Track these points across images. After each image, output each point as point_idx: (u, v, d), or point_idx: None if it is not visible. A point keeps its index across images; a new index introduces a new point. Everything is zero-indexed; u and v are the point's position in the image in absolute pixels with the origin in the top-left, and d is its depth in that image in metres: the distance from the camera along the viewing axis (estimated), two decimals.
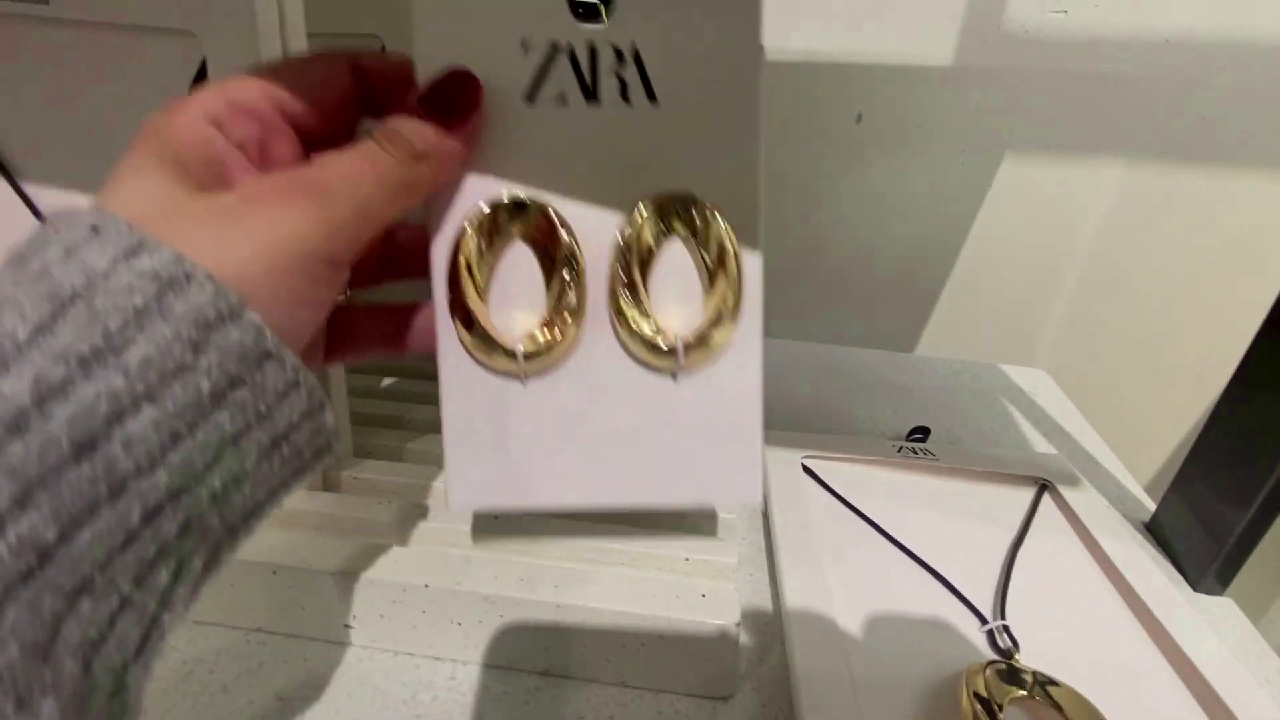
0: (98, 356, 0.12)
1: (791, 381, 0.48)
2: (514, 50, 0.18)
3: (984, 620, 0.27)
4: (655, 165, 0.19)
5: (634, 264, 0.19)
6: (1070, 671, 0.24)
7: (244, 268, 0.14)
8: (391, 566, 0.25)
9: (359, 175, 0.15)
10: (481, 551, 0.26)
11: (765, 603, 0.29)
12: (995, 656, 0.26)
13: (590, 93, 0.18)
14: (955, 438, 0.42)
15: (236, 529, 0.15)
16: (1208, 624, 0.27)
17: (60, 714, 0.11)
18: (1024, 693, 0.23)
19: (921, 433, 0.41)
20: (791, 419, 0.43)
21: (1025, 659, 0.25)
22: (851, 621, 0.27)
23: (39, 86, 0.25)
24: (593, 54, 0.18)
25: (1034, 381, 0.49)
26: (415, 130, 0.16)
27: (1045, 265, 0.59)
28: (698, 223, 0.19)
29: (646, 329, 0.19)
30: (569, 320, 0.19)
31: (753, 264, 0.20)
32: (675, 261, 0.19)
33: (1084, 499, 0.34)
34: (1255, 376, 0.29)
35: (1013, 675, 0.24)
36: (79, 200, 0.26)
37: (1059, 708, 0.22)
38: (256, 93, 0.16)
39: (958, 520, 0.33)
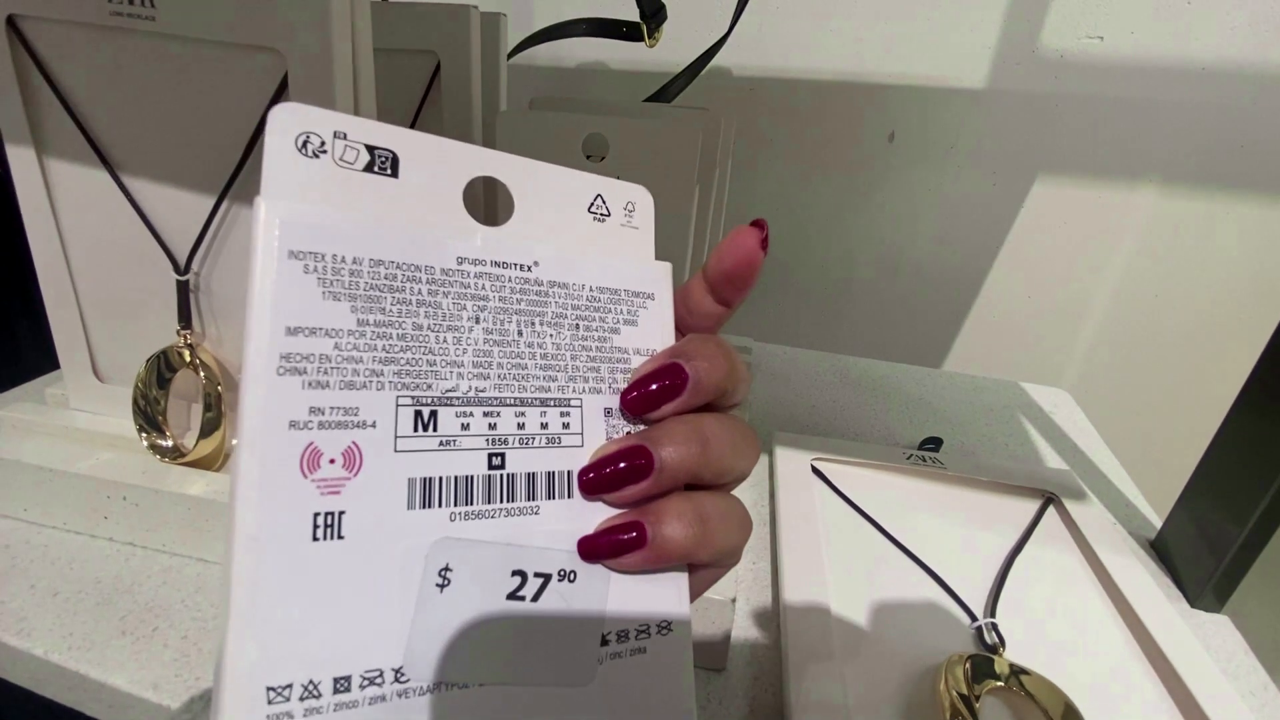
0: None
1: (811, 389, 0.49)
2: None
3: (974, 617, 0.29)
4: None
5: None
6: (1050, 670, 0.25)
7: None
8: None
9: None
10: None
11: (765, 588, 0.31)
12: (980, 651, 0.27)
13: None
14: (969, 450, 0.43)
15: None
16: (1193, 633, 0.27)
17: None
18: (1000, 683, 0.24)
19: (934, 443, 0.42)
20: (807, 424, 0.45)
21: (1010, 656, 0.27)
22: (844, 609, 0.29)
23: (141, 90, 0.29)
24: None
25: (1054, 400, 0.50)
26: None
27: (1075, 288, 0.59)
28: None
29: None
30: None
31: None
32: None
33: (1088, 513, 0.35)
34: (1258, 397, 0.30)
35: (990, 667, 0.25)
36: (170, 192, 0.30)
37: (1032, 696, 0.24)
38: None
39: (960, 526, 0.35)
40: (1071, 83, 0.53)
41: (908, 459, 0.38)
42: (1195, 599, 0.31)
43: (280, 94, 0.27)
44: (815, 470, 0.38)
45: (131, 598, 0.28)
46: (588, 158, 0.29)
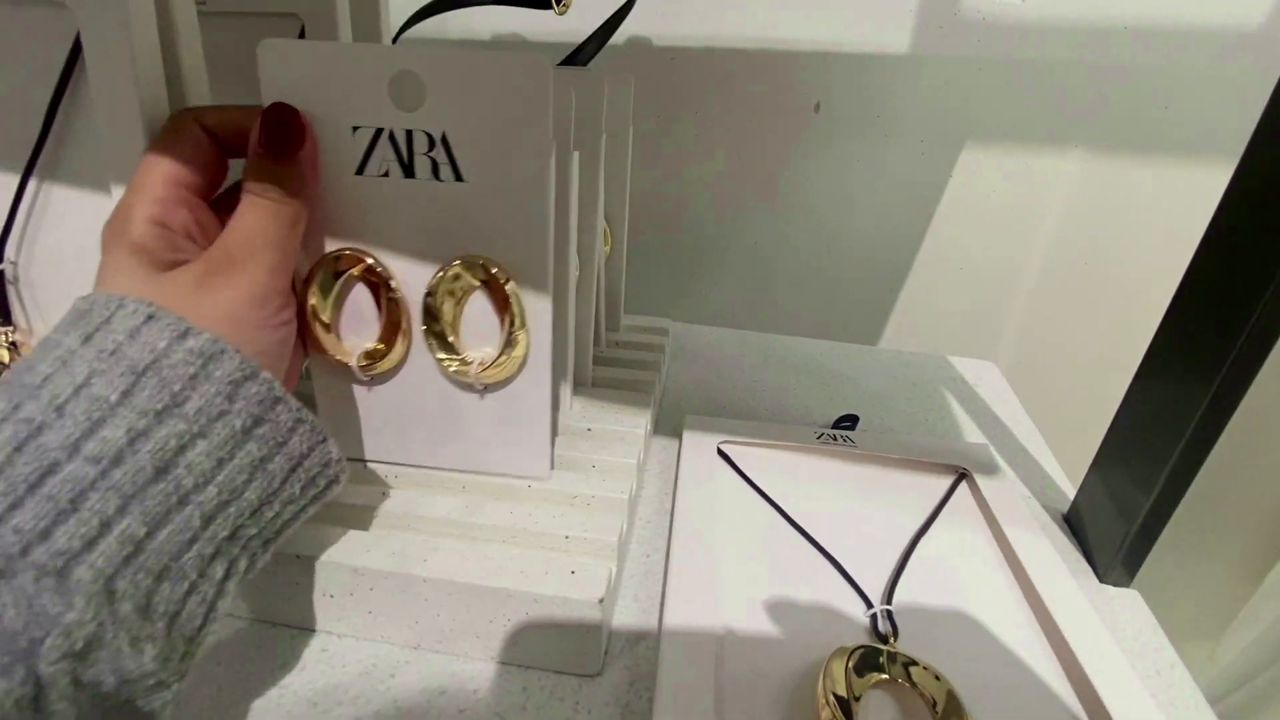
0: (166, 409, 0.17)
1: (732, 370, 0.47)
2: (346, 132, 0.23)
3: (870, 605, 0.27)
4: (462, 231, 0.24)
5: (441, 306, 0.25)
6: (946, 658, 0.24)
7: (234, 321, 0.19)
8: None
9: (263, 227, 0.21)
10: (356, 525, 0.26)
11: (657, 584, 0.29)
12: (871, 642, 0.25)
13: (408, 170, 0.24)
14: (887, 427, 0.41)
15: (269, 540, 0.20)
16: (1094, 610, 0.26)
17: (155, 659, 0.16)
18: (885, 676, 0.23)
19: (850, 421, 0.40)
20: (723, 405, 0.43)
21: (904, 645, 0.25)
22: (736, 604, 0.27)
23: None
24: (409, 137, 0.23)
25: (980, 373, 0.48)
26: (273, 172, 0.21)
27: (1006, 256, 0.58)
28: (494, 279, 0.25)
29: (451, 358, 0.26)
30: (397, 343, 0.26)
31: (540, 310, 0.25)
32: (478, 306, 0.26)
33: (1001, 488, 0.34)
34: (1158, 363, 0.29)
35: (877, 659, 0.23)
36: None
37: (917, 687, 0.22)
38: (168, 186, 0.21)
39: (868, 507, 0.33)
40: (994, 46, 0.51)
41: (819, 439, 0.37)
42: (1105, 574, 0.30)
43: (75, 55, 0.24)
44: (722, 454, 0.36)
45: None
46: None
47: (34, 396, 0.17)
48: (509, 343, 0.26)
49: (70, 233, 0.27)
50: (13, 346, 0.28)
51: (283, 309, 0.22)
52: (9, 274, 0.28)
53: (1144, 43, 0.49)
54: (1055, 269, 0.57)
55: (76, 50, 0.24)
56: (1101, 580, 0.30)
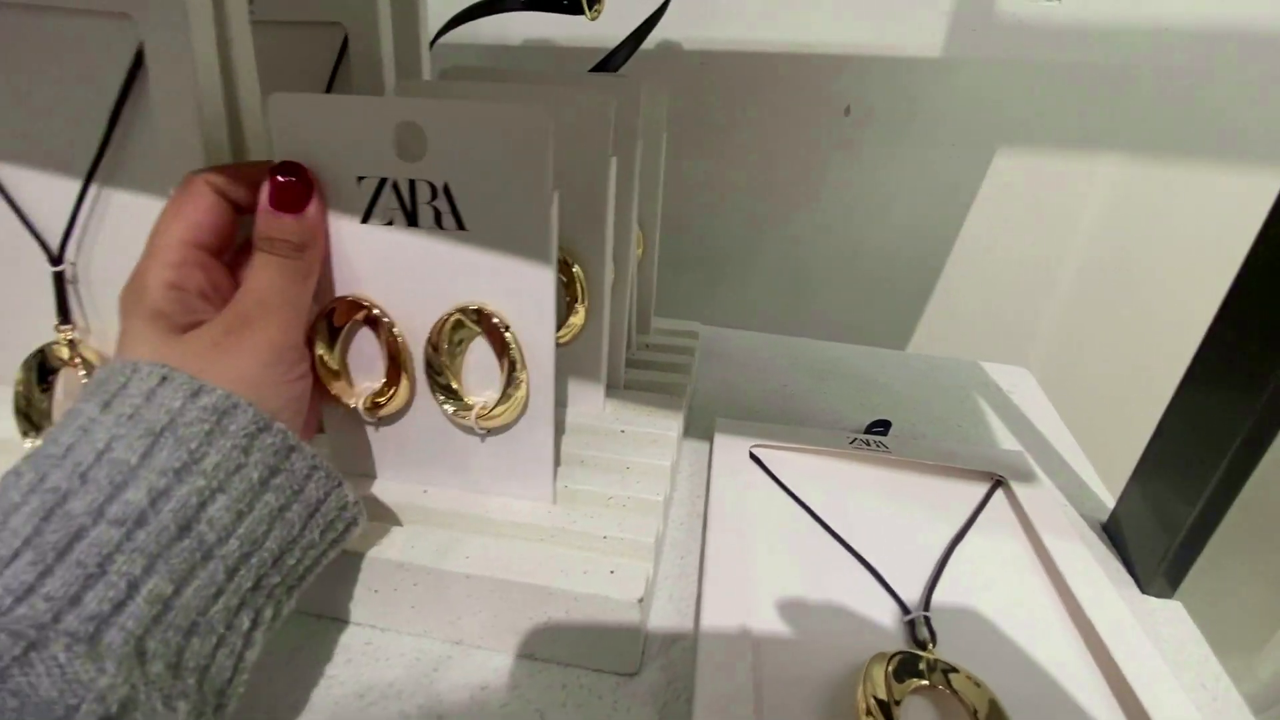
0: (185, 467, 0.18)
1: (761, 374, 0.48)
2: (351, 182, 0.24)
3: (907, 611, 0.27)
4: (463, 278, 0.25)
5: (442, 352, 0.26)
6: (985, 665, 0.24)
7: (252, 381, 0.20)
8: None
9: (275, 284, 0.21)
10: (399, 523, 0.27)
11: (691, 586, 0.29)
12: (909, 648, 0.25)
13: (412, 219, 0.24)
14: (920, 433, 0.41)
15: (293, 587, 0.21)
16: (1137, 620, 0.26)
17: (189, 714, 0.17)
18: (925, 682, 0.23)
19: (882, 426, 0.40)
20: (753, 409, 0.43)
21: (942, 651, 0.25)
22: (770, 608, 0.27)
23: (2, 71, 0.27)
24: (412, 187, 0.24)
25: (1014, 379, 0.48)
26: (282, 228, 0.22)
27: (1039, 261, 0.58)
28: (494, 327, 0.25)
29: (451, 404, 0.26)
30: (401, 387, 0.26)
31: (541, 353, 0.25)
32: (480, 352, 0.26)
33: (1038, 496, 0.33)
34: (1203, 371, 0.28)
35: (916, 665, 0.23)
36: (35, 176, 0.27)
37: (958, 694, 0.22)
38: (181, 249, 0.21)
39: (902, 513, 0.33)
40: (1029, 48, 0.51)
41: (851, 443, 0.37)
42: (1147, 584, 0.29)
43: (138, 65, 0.25)
44: (754, 457, 0.36)
45: None
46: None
47: (58, 465, 0.17)
48: (510, 384, 0.26)
49: (127, 235, 0.28)
50: (71, 344, 0.29)
51: (298, 363, 0.22)
52: (69, 274, 0.29)
53: (1185, 44, 0.48)
54: (1091, 274, 0.56)
55: (139, 60, 0.25)
56: (1144, 591, 0.30)
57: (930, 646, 0.25)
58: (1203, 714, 0.23)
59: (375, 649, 0.26)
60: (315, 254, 0.23)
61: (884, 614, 0.27)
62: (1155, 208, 0.53)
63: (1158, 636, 0.28)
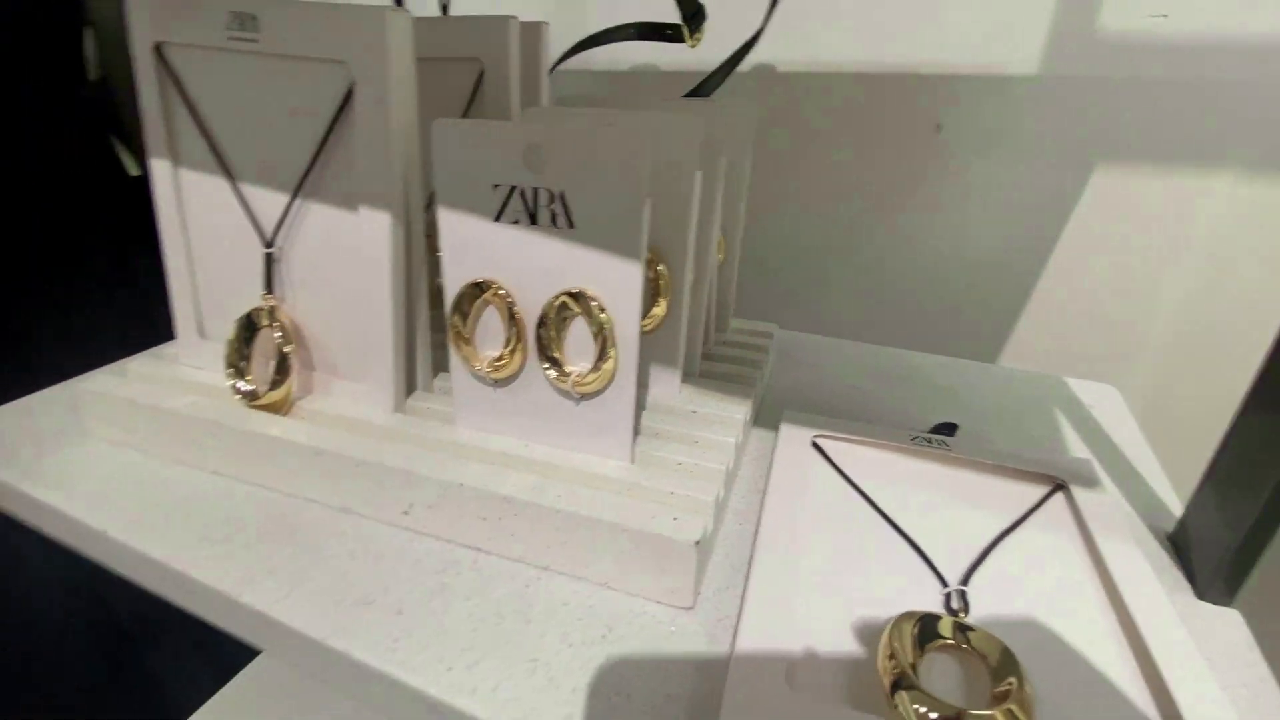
0: None
1: (834, 376, 0.50)
2: (488, 189, 0.31)
3: (945, 585, 0.29)
4: (571, 268, 0.31)
5: (549, 328, 0.32)
6: (1015, 643, 0.25)
7: None
8: (441, 468, 0.32)
9: None
10: (506, 467, 0.33)
11: (745, 548, 0.33)
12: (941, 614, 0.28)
13: (533, 219, 0.31)
14: (985, 438, 0.42)
15: None
16: (1176, 616, 0.27)
17: None
18: (947, 639, 0.25)
19: (947, 428, 0.42)
20: (824, 409, 0.46)
21: (970, 622, 0.27)
22: (815, 568, 0.30)
23: (244, 97, 0.36)
24: (535, 193, 0.30)
25: (1099, 395, 0.47)
26: None
27: (1141, 281, 0.56)
28: (591, 308, 0.31)
29: (554, 373, 0.32)
30: (516, 355, 0.33)
31: (628, 333, 0.31)
32: (579, 329, 0.32)
33: (1099, 502, 0.34)
34: (1271, 383, 0.28)
35: (937, 627, 0.26)
36: (262, 180, 0.36)
37: (973, 648, 0.24)
38: None
39: (954, 505, 0.35)
40: (1133, 65, 0.50)
41: (913, 440, 0.39)
42: (1204, 591, 0.30)
43: (349, 97, 0.33)
44: (816, 446, 0.39)
45: (218, 513, 0.34)
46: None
47: None
48: (601, 357, 0.31)
49: (322, 227, 0.36)
50: (270, 311, 0.38)
51: None
52: (276, 255, 0.38)
53: None
54: (1197, 295, 0.54)
55: (348, 96, 0.33)
56: (1200, 597, 0.30)
57: (962, 616, 0.27)
58: (1239, 713, 0.24)
59: (480, 566, 0.31)
60: None
61: (924, 588, 0.29)
62: (1269, 228, 0.50)
63: (1209, 641, 0.28)
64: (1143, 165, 0.53)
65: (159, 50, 0.36)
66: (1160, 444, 0.43)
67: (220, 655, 0.70)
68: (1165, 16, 0.49)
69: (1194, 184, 0.52)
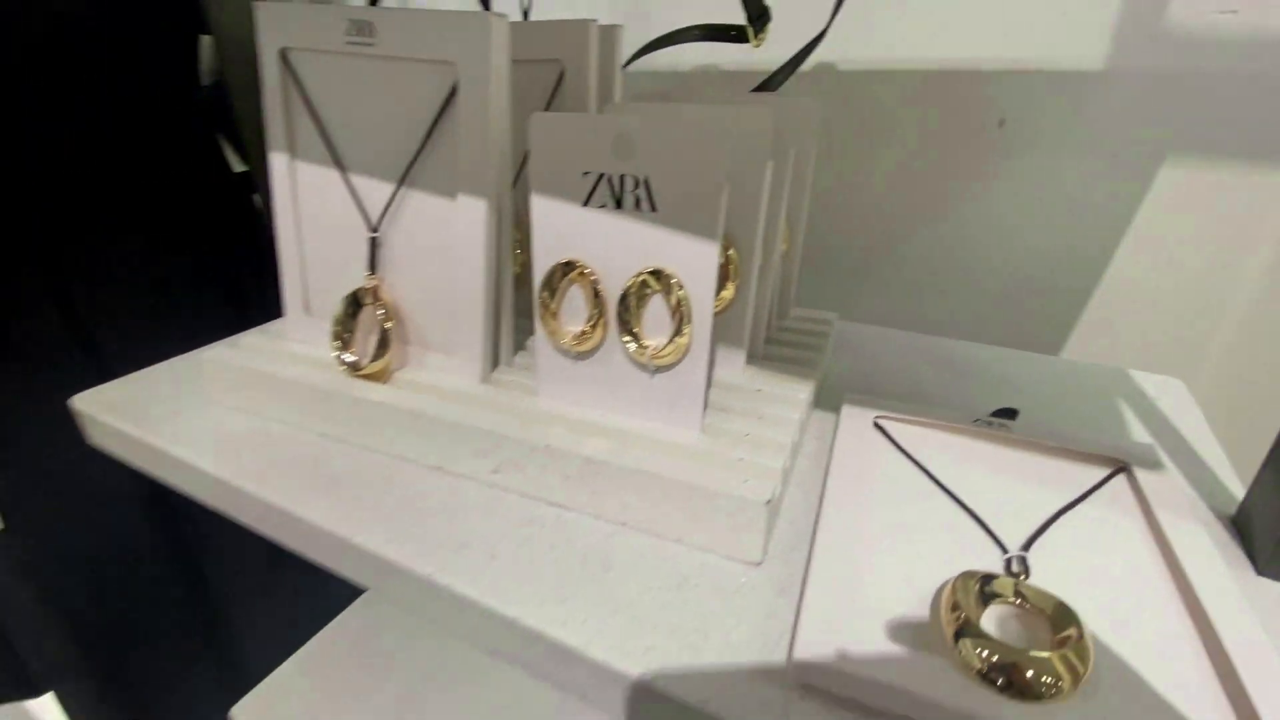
0: None
1: (894, 365, 0.51)
2: (578, 176, 0.33)
3: (1005, 551, 0.31)
4: (653, 248, 0.33)
5: (630, 304, 0.34)
6: (1076, 606, 0.27)
7: None
8: (527, 431, 0.35)
9: None
10: (589, 434, 0.36)
11: (809, 515, 0.35)
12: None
13: (619, 204, 0.33)
14: (1049, 424, 0.43)
15: None
16: (1238, 588, 0.27)
17: None
18: (1006, 597, 0.27)
19: (1009, 413, 0.42)
20: (883, 394, 0.47)
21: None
22: (877, 533, 0.32)
23: (359, 96, 0.40)
24: (621, 179, 0.33)
25: (1164, 387, 0.47)
26: None
27: (1210, 277, 0.55)
28: (670, 286, 0.33)
29: (633, 346, 0.35)
30: (598, 329, 0.35)
31: (703, 310, 0.33)
32: (657, 305, 0.34)
33: (1161, 483, 0.35)
34: None
35: (995, 586, 0.27)
36: (370, 171, 0.40)
37: (1029, 601, 0.26)
38: None
39: (1015, 483, 0.36)
40: (1201, 60, 0.50)
41: (974, 422, 0.40)
42: (1264, 566, 0.30)
43: (452, 95, 0.36)
44: (878, 426, 0.41)
45: (328, 469, 0.38)
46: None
47: None
48: (677, 333, 0.34)
49: (423, 215, 0.40)
50: (373, 290, 0.42)
51: None
52: (379, 239, 0.41)
53: None
54: (1269, 292, 0.53)
55: (452, 94, 0.36)
56: (1259, 573, 0.30)
57: (1022, 579, 0.29)
58: None
59: (564, 521, 0.34)
60: None
61: (985, 555, 0.31)
62: None
63: (1269, 616, 0.29)
64: (1210, 161, 0.53)
65: (284, 55, 0.41)
66: (1226, 437, 0.43)
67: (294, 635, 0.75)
68: (1235, 12, 0.48)
69: (1263, 180, 0.51)
